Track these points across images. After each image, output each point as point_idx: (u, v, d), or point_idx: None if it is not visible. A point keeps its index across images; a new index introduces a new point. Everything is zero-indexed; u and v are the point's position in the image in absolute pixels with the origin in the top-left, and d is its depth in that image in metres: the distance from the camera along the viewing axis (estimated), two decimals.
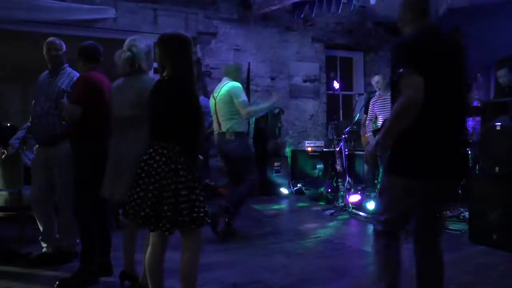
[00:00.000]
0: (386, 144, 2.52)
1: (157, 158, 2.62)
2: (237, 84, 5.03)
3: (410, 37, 2.63)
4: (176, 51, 2.73)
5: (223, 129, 4.98)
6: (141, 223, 2.66)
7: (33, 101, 4.03)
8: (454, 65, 2.57)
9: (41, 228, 4.06)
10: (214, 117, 5.13)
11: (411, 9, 2.74)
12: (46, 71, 4.07)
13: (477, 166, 5.92)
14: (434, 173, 2.50)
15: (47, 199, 4.06)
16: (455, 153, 2.57)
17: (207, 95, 7.19)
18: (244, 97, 4.97)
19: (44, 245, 4.06)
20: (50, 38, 4.05)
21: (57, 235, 4.08)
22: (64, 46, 4.04)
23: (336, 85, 7.50)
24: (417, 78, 2.36)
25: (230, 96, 4.92)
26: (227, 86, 5.02)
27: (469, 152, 6.38)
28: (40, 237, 4.07)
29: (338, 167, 6.76)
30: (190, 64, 2.76)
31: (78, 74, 3.94)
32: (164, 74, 2.75)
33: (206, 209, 2.68)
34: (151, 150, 2.66)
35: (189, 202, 2.60)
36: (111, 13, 6.88)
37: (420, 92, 2.35)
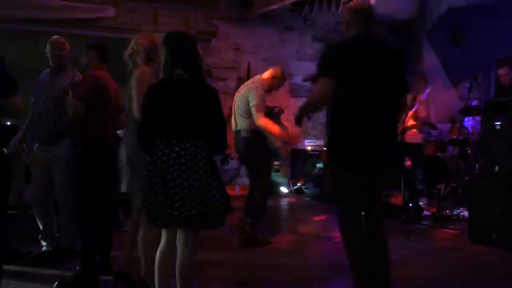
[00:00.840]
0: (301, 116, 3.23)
1: (199, 156, 2.57)
2: (260, 87, 4.71)
3: (338, 44, 3.01)
4: (192, 50, 2.72)
5: (239, 126, 4.74)
6: (185, 224, 2.60)
7: (33, 100, 4.02)
8: (383, 70, 2.80)
9: (40, 227, 4.06)
10: (232, 113, 4.86)
11: (356, 15, 2.93)
12: (47, 70, 4.06)
13: (476, 166, 5.92)
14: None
15: (47, 198, 4.06)
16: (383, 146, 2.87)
17: None
18: (257, 101, 4.62)
19: (43, 243, 4.06)
20: (55, 37, 4.03)
21: (56, 234, 4.08)
22: (67, 46, 4.02)
23: None
24: (325, 82, 2.73)
25: (248, 96, 4.66)
26: (250, 85, 4.77)
27: (469, 151, 6.41)
28: (39, 236, 4.07)
29: None
30: (202, 62, 2.79)
31: (79, 73, 3.94)
32: (179, 72, 2.68)
33: None
34: (177, 149, 2.57)
35: (224, 199, 2.65)
36: (110, 12, 6.88)
37: (323, 95, 2.77)
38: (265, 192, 4.74)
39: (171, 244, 2.71)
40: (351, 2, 3.11)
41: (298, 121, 3.23)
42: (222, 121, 2.75)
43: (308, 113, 3.27)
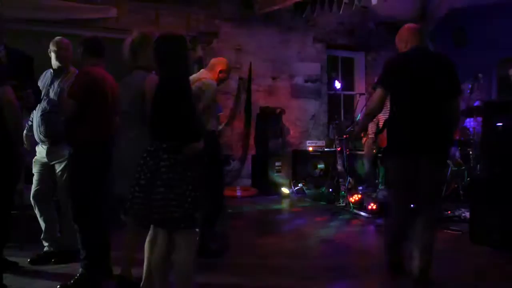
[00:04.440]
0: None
1: (166, 156, 2.63)
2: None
3: (392, 58, 3.56)
4: (173, 51, 2.76)
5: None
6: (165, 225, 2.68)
7: None
8: (430, 78, 3.32)
9: (42, 227, 4.06)
10: None
11: (410, 32, 3.49)
12: (49, 70, 4.06)
13: (478, 166, 5.91)
14: None
15: (49, 198, 4.06)
16: None
17: None
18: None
19: (45, 244, 4.06)
20: (59, 37, 4.02)
21: (58, 235, 4.09)
22: (71, 47, 4.03)
23: (337, 85, 7.50)
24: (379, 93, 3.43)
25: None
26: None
27: (470, 152, 6.40)
28: (41, 236, 4.07)
29: (339, 167, 6.76)
30: (185, 63, 2.82)
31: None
32: (163, 74, 2.76)
33: None
34: (158, 151, 2.64)
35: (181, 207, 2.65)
36: (112, 12, 6.88)
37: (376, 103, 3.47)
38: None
39: (164, 245, 2.72)
40: (407, 24, 3.53)
41: (358, 135, 3.98)
42: (194, 121, 2.76)
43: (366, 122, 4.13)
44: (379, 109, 3.49)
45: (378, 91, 3.41)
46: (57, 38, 4.03)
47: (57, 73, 3.99)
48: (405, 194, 3.42)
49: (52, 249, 4.04)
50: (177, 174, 2.60)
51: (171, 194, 2.58)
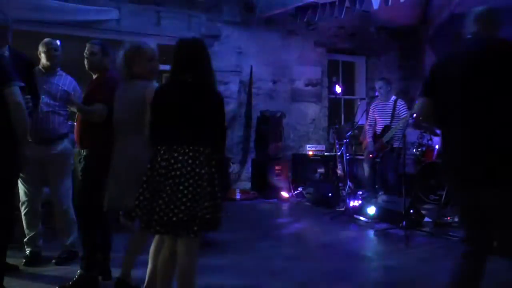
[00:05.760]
0: None
1: (197, 161, 2.56)
2: None
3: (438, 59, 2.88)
4: (201, 56, 2.73)
5: None
6: (167, 230, 2.60)
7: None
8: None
9: (26, 231, 3.99)
10: None
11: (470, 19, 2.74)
12: (37, 68, 3.97)
13: None
14: None
15: (38, 197, 4.03)
16: None
17: None
18: None
19: (28, 249, 3.98)
20: (48, 39, 4.03)
21: (41, 242, 4.05)
22: (60, 47, 4.06)
23: (338, 89, 7.51)
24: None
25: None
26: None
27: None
28: (25, 240, 3.99)
29: (339, 171, 6.76)
30: (211, 68, 2.78)
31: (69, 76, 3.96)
32: (184, 77, 2.69)
33: None
34: (175, 154, 2.56)
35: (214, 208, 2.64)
36: (114, 14, 6.90)
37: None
38: None
39: (172, 250, 2.70)
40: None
41: None
42: (222, 128, 2.74)
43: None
44: (425, 116, 2.78)
45: (420, 100, 2.81)
46: (46, 39, 4.03)
47: (49, 73, 3.97)
48: (472, 231, 2.88)
49: (37, 250, 3.99)
50: (202, 180, 2.56)
51: (195, 198, 2.53)
